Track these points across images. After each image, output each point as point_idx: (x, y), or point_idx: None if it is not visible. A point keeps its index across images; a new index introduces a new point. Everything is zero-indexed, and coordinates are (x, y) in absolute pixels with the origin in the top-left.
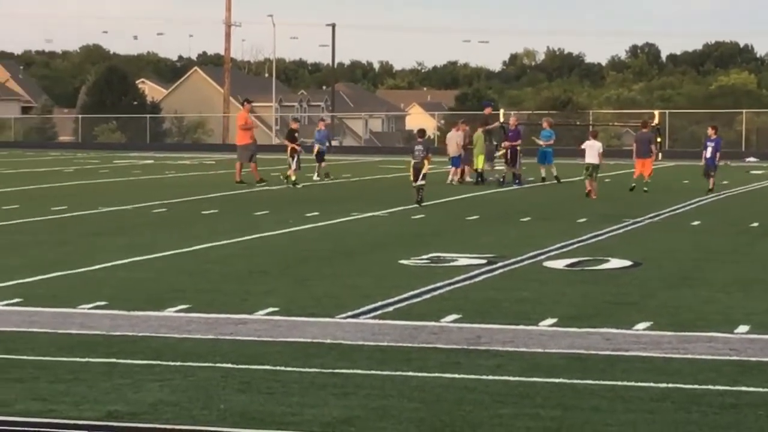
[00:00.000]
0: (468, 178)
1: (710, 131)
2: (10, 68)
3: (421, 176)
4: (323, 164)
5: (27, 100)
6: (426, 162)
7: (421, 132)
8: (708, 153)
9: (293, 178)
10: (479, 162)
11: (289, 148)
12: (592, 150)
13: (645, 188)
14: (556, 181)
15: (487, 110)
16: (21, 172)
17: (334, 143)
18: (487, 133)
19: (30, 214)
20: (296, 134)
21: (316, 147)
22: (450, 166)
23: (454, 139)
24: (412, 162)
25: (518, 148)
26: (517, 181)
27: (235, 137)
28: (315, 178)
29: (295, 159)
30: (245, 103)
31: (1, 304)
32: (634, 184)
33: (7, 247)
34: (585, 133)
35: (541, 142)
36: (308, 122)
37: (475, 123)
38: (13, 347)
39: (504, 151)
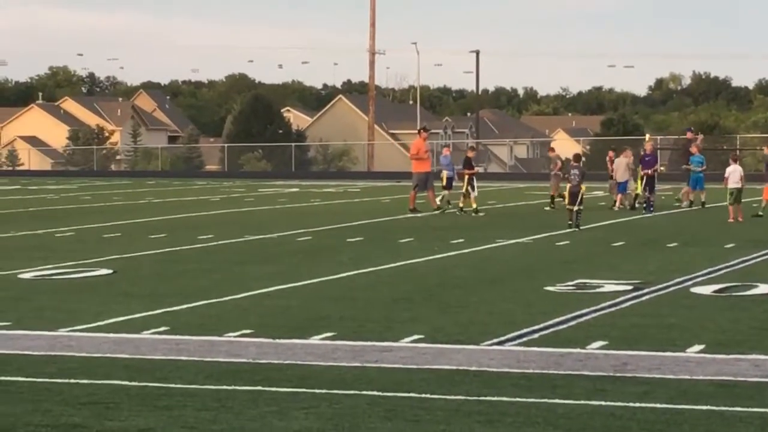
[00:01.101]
0: (620, 204)
1: None
2: (158, 98)
3: (578, 200)
4: (449, 191)
5: (174, 130)
6: (582, 186)
7: (577, 157)
8: None
9: (474, 205)
10: (638, 186)
11: (466, 177)
12: (735, 175)
13: (760, 212)
14: (701, 207)
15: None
16: (168, 201)
17: (479, 169)
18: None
19: (177, 242)
20: (473, 161)
21: (444, 173)
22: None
23: (624, 164)
24: (568, 186)
25: (655, 174)
26: (649, 207)
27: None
28: (454, 202)
29: (473, 186)
30: (421, 131)
31: (149, 332)
32: None
33: (155, 276)
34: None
35: (697, 168)
36: (453, 149)
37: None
38: (161, 375)
39: (642, 176)
